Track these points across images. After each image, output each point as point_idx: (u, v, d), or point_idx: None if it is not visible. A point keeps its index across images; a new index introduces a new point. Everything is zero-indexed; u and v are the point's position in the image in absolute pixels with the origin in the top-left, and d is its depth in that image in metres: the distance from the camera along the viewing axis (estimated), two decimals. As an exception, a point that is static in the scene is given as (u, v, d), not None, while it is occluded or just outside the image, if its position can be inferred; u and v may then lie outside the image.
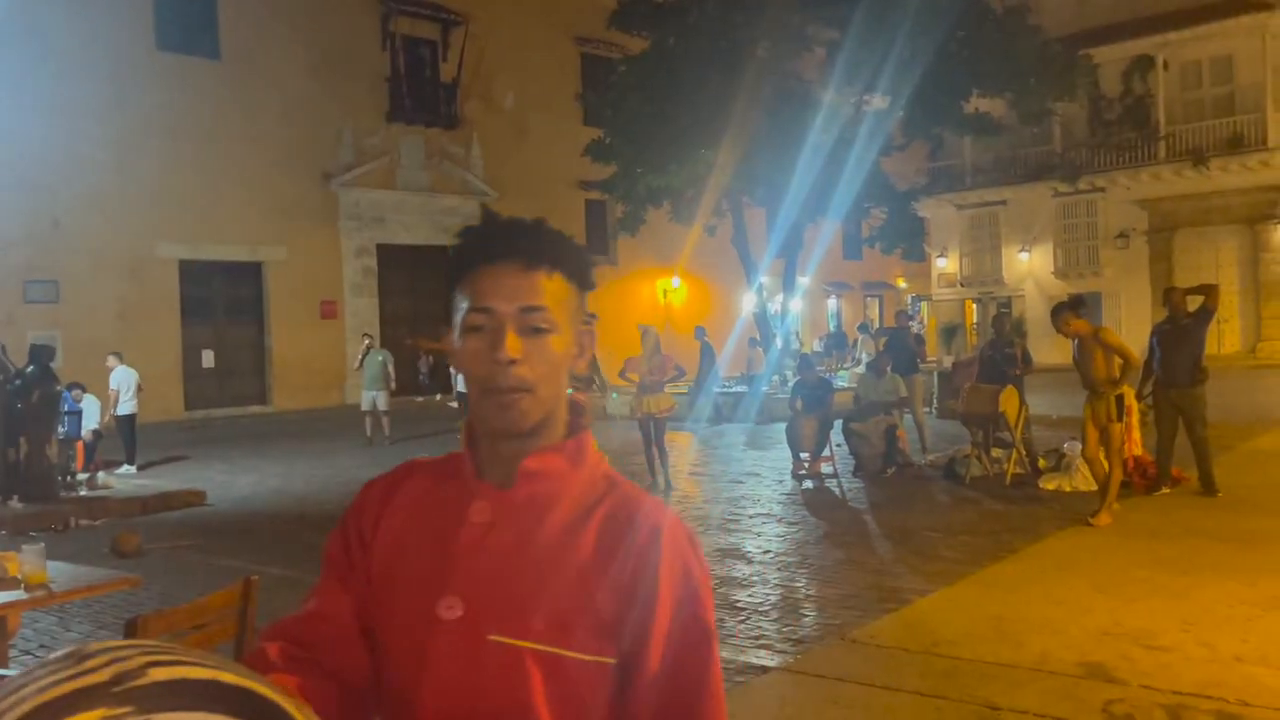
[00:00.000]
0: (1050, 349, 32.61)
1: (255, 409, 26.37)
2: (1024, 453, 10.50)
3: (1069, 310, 8.15)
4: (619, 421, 17.94)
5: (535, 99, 31.74)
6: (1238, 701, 4.15)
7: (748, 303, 25.54)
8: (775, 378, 22.01)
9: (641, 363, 10.73)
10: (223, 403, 25.98)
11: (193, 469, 14.65)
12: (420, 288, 30.85)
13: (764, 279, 25.35)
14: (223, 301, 27.37)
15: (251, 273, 27.35)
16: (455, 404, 21.06)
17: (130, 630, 3.02)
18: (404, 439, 17.19)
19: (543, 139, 31.64)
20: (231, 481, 12.97)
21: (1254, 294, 29.98)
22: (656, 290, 36.14)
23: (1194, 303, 9.24)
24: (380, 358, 17.13)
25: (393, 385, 17.39)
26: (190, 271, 25.78)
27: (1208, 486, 8.95)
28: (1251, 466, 10.42)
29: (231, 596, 3.43)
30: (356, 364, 17.68)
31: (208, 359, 26.17)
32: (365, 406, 17.15)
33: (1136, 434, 9.50)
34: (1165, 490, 9.15)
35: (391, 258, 29.58)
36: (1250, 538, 7.18)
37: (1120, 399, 7.98)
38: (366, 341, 18.17)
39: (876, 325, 33.87)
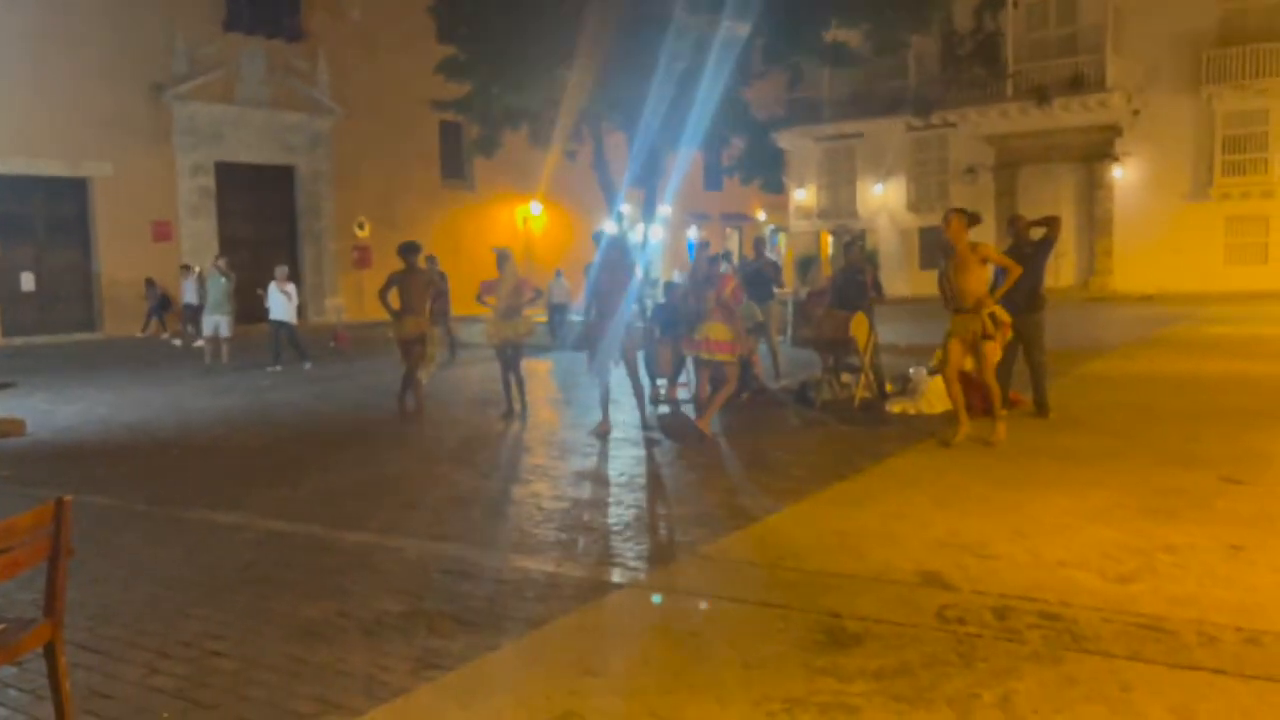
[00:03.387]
0: (901, 282, 33.84)
1: (82, 336, 24.96)
2: (872, 377, 10.85)
3: (965, 215, 8.14)
4: (480, 349, 17.75)
5: (385, 11, 30.53)
6: (1059, 602, 4.42)
7: (609, 230, 25.48)
8: (635, 307, 22.07)
9: (499, 287, 10.56)
10: (46, 329, 24.51)
11: (12, 398, 13.79)
12: (263, 209, 29.59)
13: (625, 207, 25.30)
14: (43, 220, 25.63)
15: (75, 190, 25.68)
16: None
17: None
18: (244, 366, 16.60)
19: (393, 55, 30.52)
20: (55, 411, 12.28)
21: (1089, 230, 31.63)
22: (515, 217, 35.67)
23: (1037, 235, 9.66)
24: (223, 280, 16.44)
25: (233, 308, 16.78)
26: (3, 187, 24.01)
27: (1042, 408, 9.46)
28: (1083, 390, 11.07)
29: (42, 518, 3.22)
30: (194, 296, 16.93)
31: (27, 282, 24.58)
32: (207, 331, 16.49)
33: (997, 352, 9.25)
34: (1002, 412, 9.60)
35: (231, 177, 28.23)
36: (1080, 455, 7.63)
37: (993, 316, 8.07)
38: (196, 269, 17.38)
39: (738, 257, 34.29)
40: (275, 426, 10.85)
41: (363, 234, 30.95)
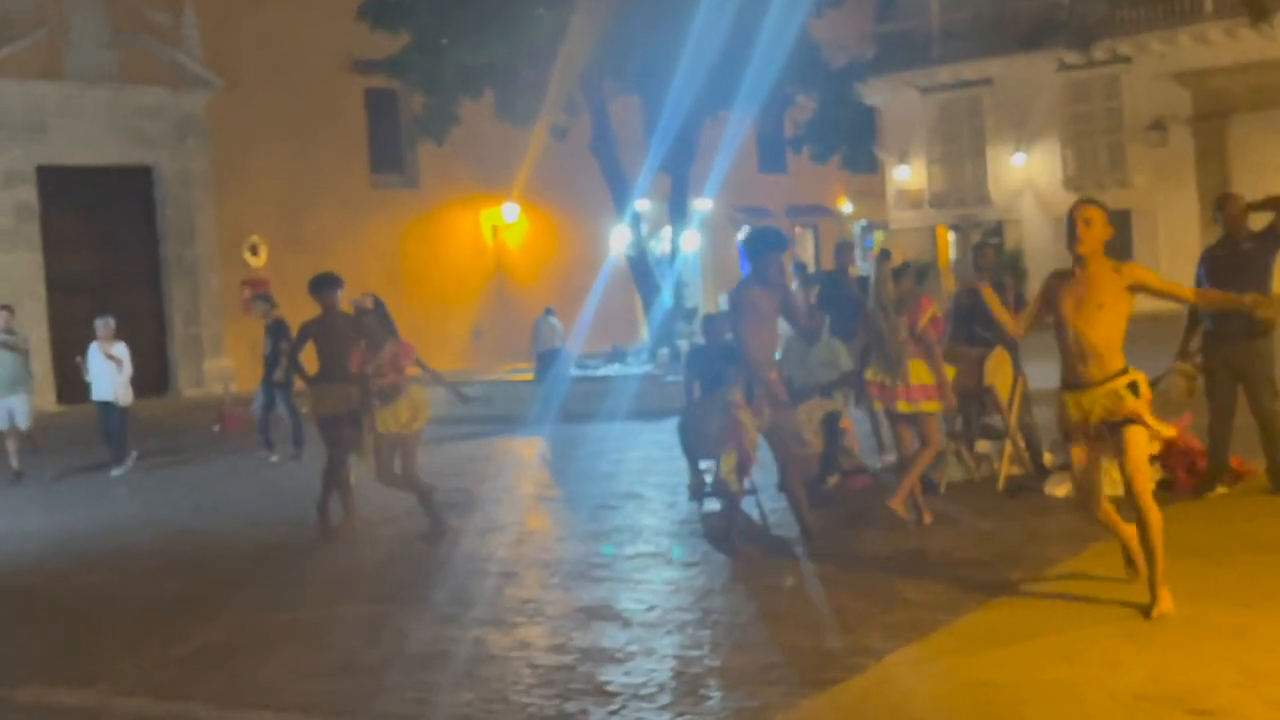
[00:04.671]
0: (1061, 295, 33.64)
1: None
2: (1022, 445, 10.81)
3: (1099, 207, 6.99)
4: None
5: (280, -64, 31.08)
6: (1318, 781, 4.39)
7: (618, 241, 25.68)
8: (663, 351, 22.22)
9: (370, 352, 10.51)
10: None
11: None
12: (109, 233, 29.87)
13: (642, 204, 25.48)
14: None
15: None
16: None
17: None
18: (69, 469, 16.59)
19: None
20: None
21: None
22: (481, 226, 36.00)
23: (1259, 221, 9.66)
24: (8, 352, 16.36)
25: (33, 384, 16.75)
26: None
27: (1277, 480, 9.41)
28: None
29: None
30: None
31: None
32: (0, 424, 16.49)
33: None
34: (1221, 490, 9.57)
35: (61, 187, 28.59)
36: (1337, 552, 7.60)
37: (1134, 386, 6.88)
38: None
39: (812, 269, 34.56)
40: (136, 556, 10.89)
41: (257, 262, 31.29)
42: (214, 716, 6.16)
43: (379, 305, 11.31)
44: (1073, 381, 6.94)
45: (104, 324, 16.72)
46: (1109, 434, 6.75)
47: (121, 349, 16.54)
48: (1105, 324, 6.81)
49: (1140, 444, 6.71)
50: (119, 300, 27.75)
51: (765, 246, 9.30)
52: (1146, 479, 6.79)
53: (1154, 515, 6.68)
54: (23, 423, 16.43)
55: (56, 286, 27.91)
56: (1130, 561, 7.20)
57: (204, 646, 7.57)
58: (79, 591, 9.65)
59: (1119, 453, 6.74)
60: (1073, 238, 6.82)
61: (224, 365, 29.11)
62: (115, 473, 16.34)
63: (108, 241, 29.74)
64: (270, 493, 14.06)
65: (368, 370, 10.28)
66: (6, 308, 17.21)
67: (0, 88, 27.36)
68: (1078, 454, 7.01)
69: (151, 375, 26.73)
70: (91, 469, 16.65)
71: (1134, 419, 6.69)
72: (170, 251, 30.60)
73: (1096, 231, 6.82)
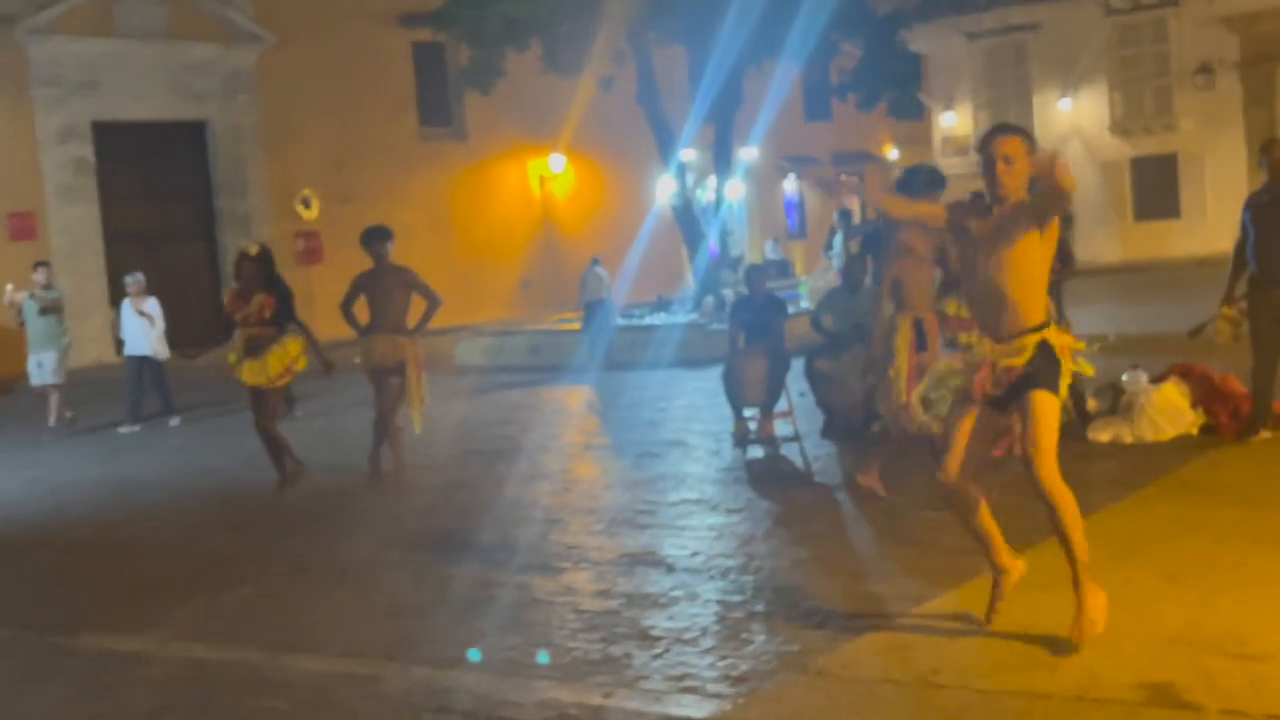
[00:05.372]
0: (1105, 241, 33.50)
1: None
2: (1065, 392, 10.75)
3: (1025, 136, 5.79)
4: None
5: (327, -111, 31.03)
6: (1358, 725, 4.35)
7: (664, 191, 25.63)
8: (708, 300, 22.19)
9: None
10: None
11: None
12: (163, 187, 30.07)
13: (688, 154, 25.38)
14: None
15: (-105, 174, 26.42)
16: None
17: None
18: (99, 426, 16.75)
19: (341, -49, 30.96)
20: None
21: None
22: (529, 177, 35.96)
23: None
24: (40, 306, 16.43)
25: (67, 341, 16.81)
26: None
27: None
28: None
29: None
30: (17, 320, 16.68)
31: None
32: (34, 379, 16.60)
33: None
34: (1264, 435, 9.48)
35: (116, 142, 28.78)
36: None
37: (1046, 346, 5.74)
38: (15, 294, 16.98)
39: (858, 219, 34.31)
40: (189, 504, 11.04)
41: (309, 214, 31.40)
42: (266, 661, 6.23)
43: (264, 254, 10.79)
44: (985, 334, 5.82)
45: (134, 280, 16.74)
46: (1014, 396, 5.61)
47: (153, 305, 16.57)
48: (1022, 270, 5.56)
49: (1049, 412, 5.52)
50: (174, 252, 27.98)
51: (923, 184, 8.84)
52: (1052, 456, 5.53)
53: (1065, 498, 5.50)
54: (53, 378, 16.39)
55: (114, 239, 28.13)
56: (995, 590, 5.88)
57: (256, 593, 7.67)
58: (134, 540, 9.79)
59: (1024, 418, 5.54)
60: (992, 181, 5.53)
61: (278, 316, 29.28)
62: (172, 422, 16.48)
63: (162, 195, 29.94)
64: (321, 442, 14.13)
65: (236, 319, 10.11)
66: (44, 264, 17.30)
67: (55, 45, 27.49)
68: (967, 419, 5.78)
69: (206, 326, 26.94)
70: (146, 420, 16.73)
71: (1034, 379, 5.53)
72: (223, 204, 30.76)
73: (1019, 169, 5.50)
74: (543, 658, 5.90)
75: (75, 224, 27.80)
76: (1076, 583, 5.50)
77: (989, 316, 5.71)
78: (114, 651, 6.64)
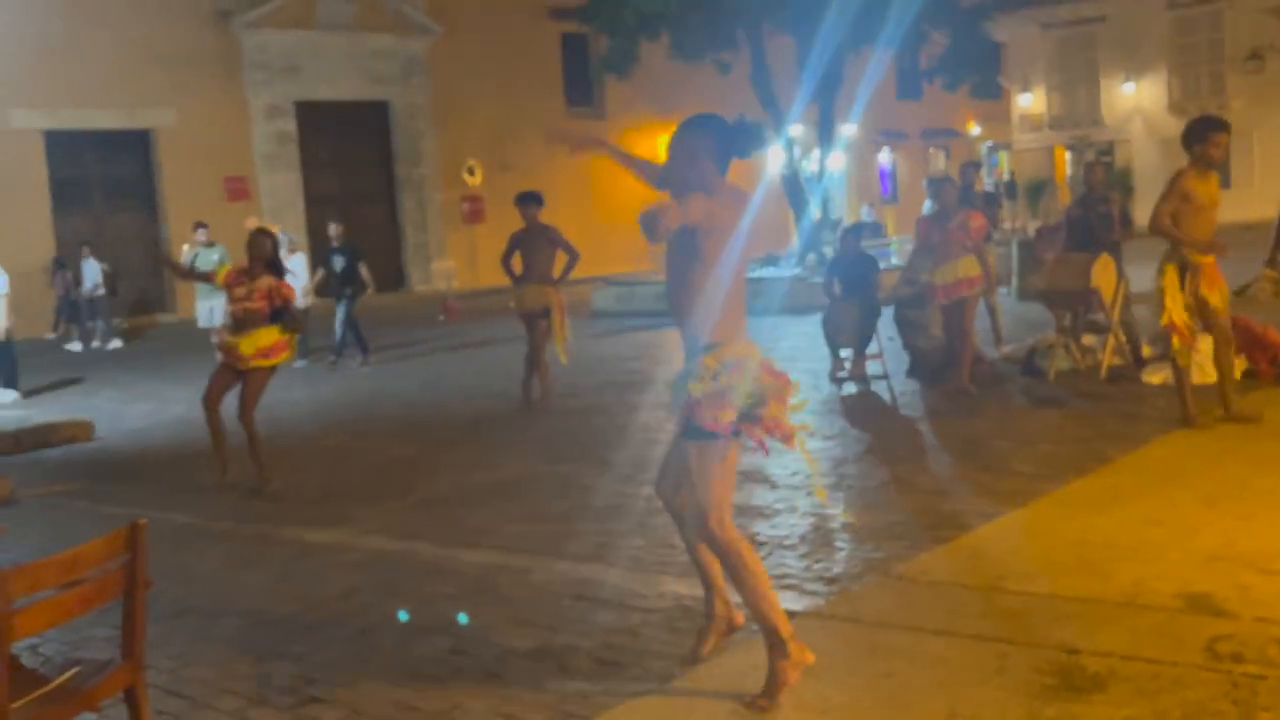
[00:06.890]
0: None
1: (164, 318, 26.40)
2: (1124, 339, 10.56)
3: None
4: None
5: (489, -98, 31.06)
6: (1375, 634, 4.26)
7: (774, 161, 25.38)
8: (811, 256, 22.02)
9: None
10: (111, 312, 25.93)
11: (78, 395, 14.80)
12: (353, 156, 30.60)
13: (795, 129, 25.13)
14: (100, 183, 27.14)
15: (135, 144, 27.12)
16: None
17: (-15, 590, 3.08)
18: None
19: (501, -45, 31.02)
20: (124, 411, 13.12)
21: None
22: (657, 149, 35.76)
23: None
24: (216, 255, 16.30)
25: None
26: (58, 146, 25.53)
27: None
28: None
29: (114, 545, 3.49)
30: (189, 263, 16.04)
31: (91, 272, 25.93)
32: (202, 323, 16.69)
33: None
34: None
35: (314, 119, 29.32)
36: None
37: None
38: (201, 236, 16.89)
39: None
40: (374, 423, 11.32)
41: (474, 181, 31.67)
42: (434, 553, 6.39)
43: (273, 236, 8.83)
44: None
45: (283, 236, 16.29)
46: None
47: (297, 261, 15.54)
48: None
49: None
50: (360, 212, 28.44)
51: (1197, 135, 8.30)
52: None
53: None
54: (218, 319, 16.07)
55: (312, 202, 28.72)
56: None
57: (427, 498, 7.85)
58: (328, 451, 10.08)
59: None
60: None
61: (447, 266, 29.65)
62: (299, 364, 15.41)
63: (351, 164, 30.48)
64: (482, 372, 14.37)
65: (237, 292, 8.38)
66: (203, 225, 17.38)
67: (264, 36, 28.00)
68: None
69: (389, 275, 27.48)
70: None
71: None
72: (401, 172, 31.24)
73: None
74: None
75: (280, 188, 28.42)
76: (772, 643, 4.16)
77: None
78: (312, 542, 6.86)
